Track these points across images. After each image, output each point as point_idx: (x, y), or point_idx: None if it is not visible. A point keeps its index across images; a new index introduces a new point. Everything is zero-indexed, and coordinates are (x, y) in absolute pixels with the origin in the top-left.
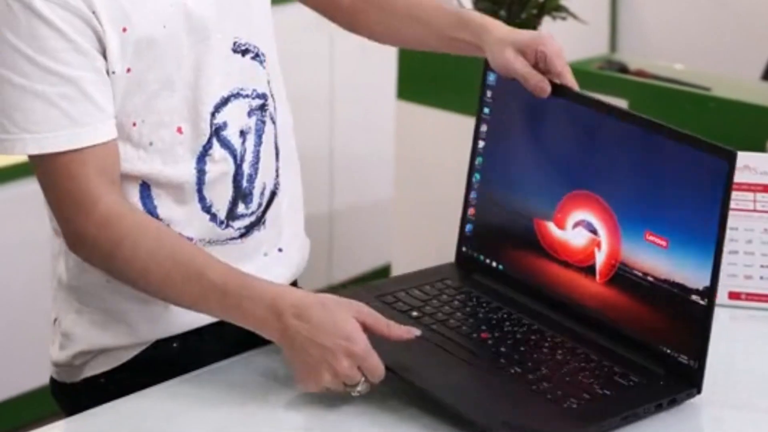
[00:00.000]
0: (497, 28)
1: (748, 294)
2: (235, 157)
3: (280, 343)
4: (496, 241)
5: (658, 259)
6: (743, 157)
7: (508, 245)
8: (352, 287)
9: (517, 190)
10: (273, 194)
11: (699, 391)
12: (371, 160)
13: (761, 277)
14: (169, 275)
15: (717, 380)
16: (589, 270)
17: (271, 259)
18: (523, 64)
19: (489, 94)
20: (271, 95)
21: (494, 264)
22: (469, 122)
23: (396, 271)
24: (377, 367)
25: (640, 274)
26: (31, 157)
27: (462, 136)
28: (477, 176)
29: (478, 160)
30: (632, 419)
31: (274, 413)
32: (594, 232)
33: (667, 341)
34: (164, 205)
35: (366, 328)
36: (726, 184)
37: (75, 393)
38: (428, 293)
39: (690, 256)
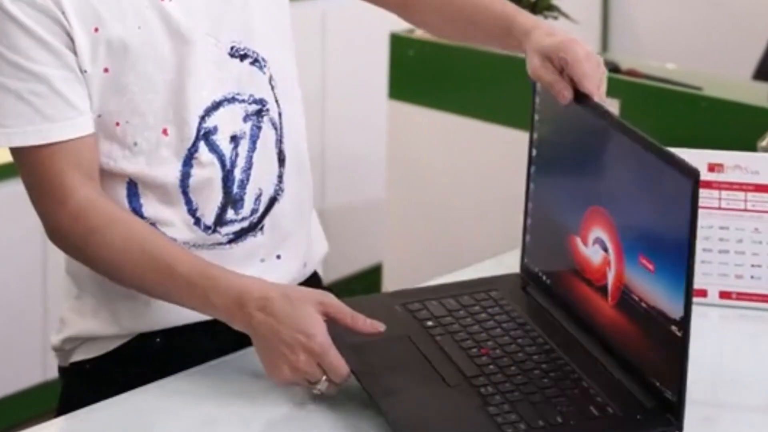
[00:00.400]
0: (536, 33)
1: (738, 293)
2: (223, 162)
3: (248, 334)
4: (545, 255)
5: (647, 284)
6: (734, 157)
7: (552, 259)
8: (378, 294)
9: (558, 203)
10: (273, 200)
11: (680, 429)
12: (363, 159)
13: (752, 277)
14: (139, 267)
15: (707, 379)
16: (603, 290)
17: (269, 265)
18: (548, 71)
19: (537, 101)
20: (276, 101)
21: (545, 278)
22: (461, 121)
23: (388, 271)
24: (337, 366)
25: (636, 299)
26: (11, 151)
27: (454, 135)
28: (532, 185)
29: (532, 169)
30: None
31: (270, 411)
32: (606, 250)
33: (655, 372)
34: (150, 205)
35: (332, 319)
36: (691, 205)
37: (65, 376)
38: (461, 303)
39: (670, 282)
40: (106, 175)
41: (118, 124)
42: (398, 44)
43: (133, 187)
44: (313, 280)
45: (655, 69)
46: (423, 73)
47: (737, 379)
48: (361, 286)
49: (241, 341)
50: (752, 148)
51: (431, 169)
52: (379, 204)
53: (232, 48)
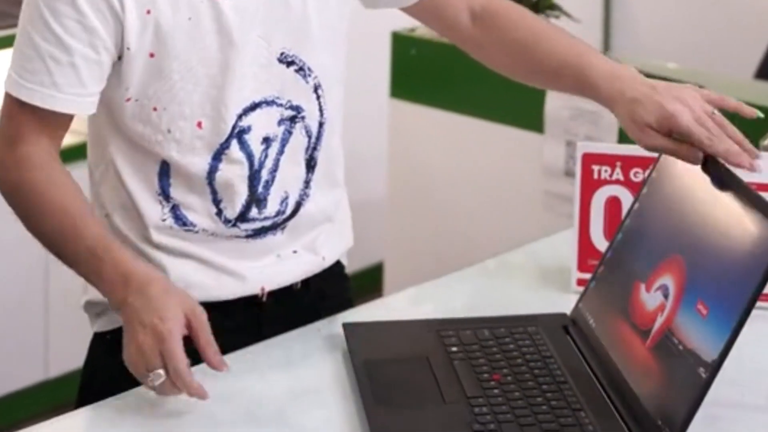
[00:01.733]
0: (623, 101)
1: None
2: (251, 161)
3: (118, 314)
4: (602, 299)
5: (693, 328)
6: None
7: (607, 303)
8: (420, 320)
9: (637, 251)
10: (299, 204)
11: None
12: (365, 158)
13: None
14: (54, 231)
15: None
16: (646, 333)
17: (283, 258)
18: (659, 138)
19: (662, 158)
20: (320, 109)
21: (591, 321)
22: (463, 120)
23: (389, 269)
24: (175, 355)
25: (675, 341)
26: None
27: (455, 134)
28: (619, 236)
29: (627, 221)
30: None
31: (284, 408)
32: (666, 296)
33: (662, 412)
34: (178, 188)
35: (191, 332)
36: None
37: (90, 346)
38: (495, 335)
39: (718, 327)
40: (140, 153)
41: (155, 109)
42: (400, 43)
43: (165, 168)
44: (335, 270)
45: (657, 68)
46: (425, 72)
47: (739, 378)
48: (362, 284)
49: (255, 321)
50: (754, 146)
51: (433, 168)
52: (381, 202)
53: (281, 54)
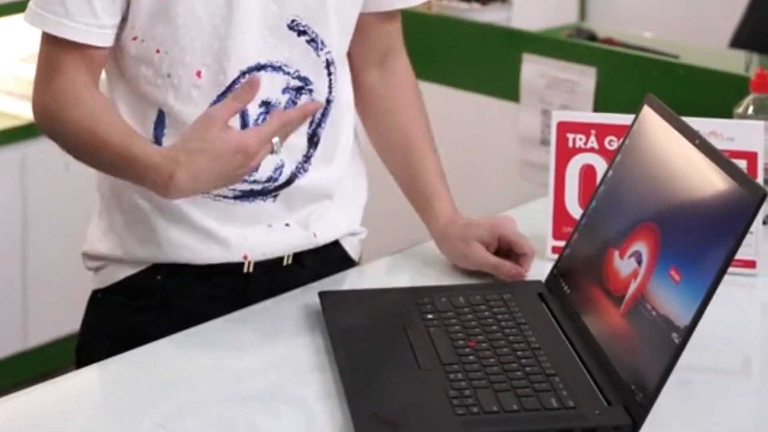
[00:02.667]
0: (453, 226)
1: None
2: (245, 120)
3: (172, 188)
4: (576, 266)
5: (666, 294)
6: (710, 124)
7: (581, 270)
8: (397, 288)
9: (611, 218)
10: (294, 176)
11: (634, 430)
12: None
13: None
14: (89, 144)
15: None
16: (619, 300)
17: (274, 230)
18: (489, 257)
19: (635, 127)
20: (329, 86)
21: (566, 288)
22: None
23: (367, 245)
24: (274, 131)
25: (648, 307)
26: None
27: (431, 103)
28: (594, 203)
29: (601, 189)
30: None
31: (260, 377)
32: (639, 263)
33: (635, 376)
34: (170, 139)
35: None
36: (746, 222)
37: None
38: (470, 302)
39: (691, 293)
40: (139, 98)
41: (158, 51)
42: None
43: (161, 117)
44: (335, 253)
45: (632, 37)
46: (405, 44)
47: (712, 343)
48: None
49: (241, 292)
50: (728, 115)
51: None
52: None
53: (292, 21)
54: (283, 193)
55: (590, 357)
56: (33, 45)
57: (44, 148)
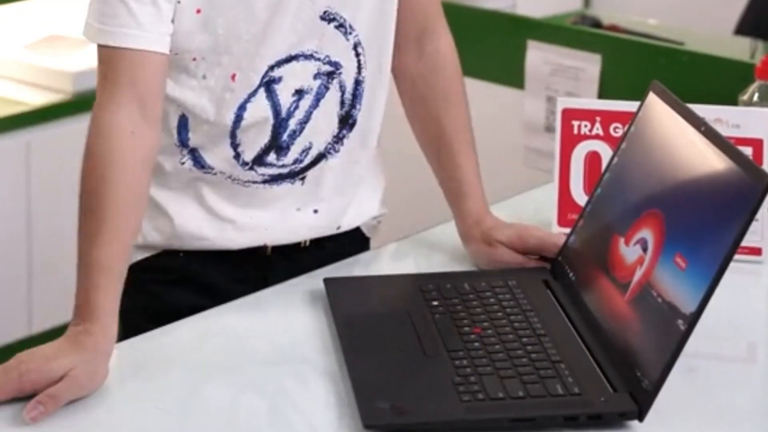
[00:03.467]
0: (478, 228)
1: None
2: (277, 111)
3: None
4: (581, 253)
5: (672, 281)
6: (715, 111)
7: (587, 257)
8: (403, 275)
9: (616, 205)
10: (321, 156)
11: (641, 419)
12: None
13: None
14: (83, 216)
15: None
16: (625, 287)
17: (303, 215)
18: (514, 255)
19: (641, 113)
20: (359, 67)
21: (571, 274)
22: None
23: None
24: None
25: (654, 294)
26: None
27: None
28: (599, 190)
29: (606, 176)
30: (526, 424)
31: (266, 363)
32: (645, 250)
33: (641, 363)
34: (197, 136)
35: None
36: (752, 209)
37: None
38: (475, 288)
39: (697, 280)
40: (165, 102)
41: (194, 59)
42: None
43: (184, 120)
44: (354, 234)
45: (637, 24)
46: None
47: (717, 330)
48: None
49: (261, 274)
50: (733, 102)
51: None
52: None
53: (324, 12)
54: (310, 174)
55: (595, 344)
56: (38, 31)
57: (49, 135)
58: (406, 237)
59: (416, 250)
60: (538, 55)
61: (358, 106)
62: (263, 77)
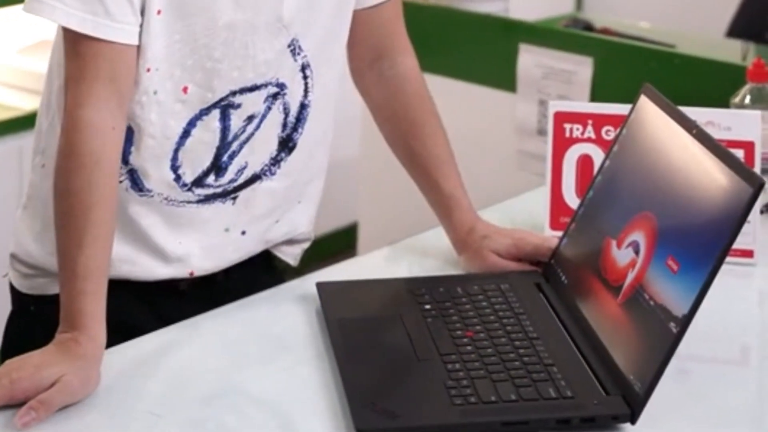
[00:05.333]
0: (472, 236)
1: None
2: (225, 134)
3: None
4: (574, 256)
5: (664, 283)
6: (707, 113)
7: (579, 260)
8: (395, 278)
9: (608, 208)
10: (256, 178)
11: (633, 422)
12: (337, 118)
13: None
14: (60, 225)
15: None
16: (617, 290)
17: (231, 237)
18: (503, 263)
19: (633, 116)
20: (305, 90)
21: (563, 278)
22: (435, 80)
23: (363, 229)
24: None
25: (646, 297)
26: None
27: (434, 96)
28: (591, 193)
29: (598, 179)
30: (519, 428)
31: (258, 368)
32: (637, 253)
33: (633, 366)
34: (138, 154)
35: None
36: (744, 211)
37: (13, 314)
38: (467, 292)
39: (688, 282)
40: None
41: (149, 69)
42: None
43: (130, 133)
44: (264, 260)
45: (629, 27)
46: None
47: (709, 333)
48: (337, 244)
49: (177, 305)
50: (725, 104)
51: None
52: (354, 163)
53: (292, 40)
54: (242, 195)
55: (588, 347)
56: (31, 36)
57: None
58: (398, 241)
59: (408, 253)
60: (530, 59)
61: (300, 130)
62: (222, 100)
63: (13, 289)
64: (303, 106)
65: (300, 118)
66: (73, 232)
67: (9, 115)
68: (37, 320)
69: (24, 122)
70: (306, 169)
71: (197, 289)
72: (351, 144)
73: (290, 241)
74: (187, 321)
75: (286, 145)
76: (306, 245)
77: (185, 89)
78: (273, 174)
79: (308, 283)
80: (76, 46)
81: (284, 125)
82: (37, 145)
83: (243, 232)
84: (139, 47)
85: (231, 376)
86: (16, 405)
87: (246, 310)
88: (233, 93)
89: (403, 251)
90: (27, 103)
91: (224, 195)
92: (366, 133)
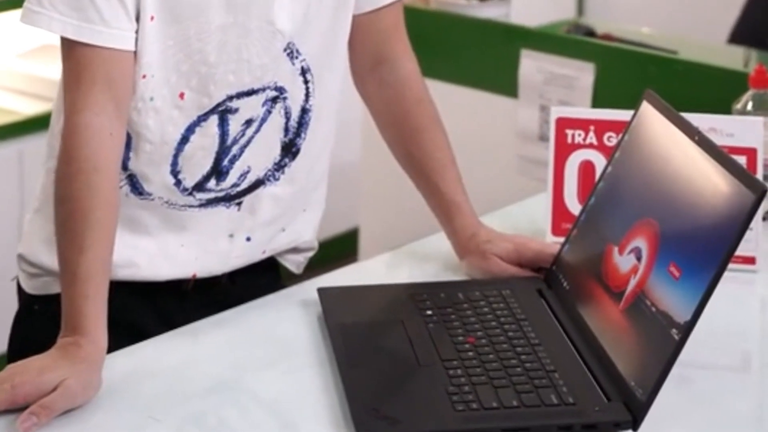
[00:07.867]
0: (474, 240)
1: None
2: (224, 138)
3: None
4: (575, 262)
5: (666, 290)
6: (709, 120)
7: (581, 266)
8: (395, 284)
9: (610, 214)
10: (259, 183)
11: (635, 429)
12: (338, 123)
13: None
14: (60, 230)
15: None
16: (619, 296)
17: (235, 243)
18: (509, 267)
19: (635, 123)
20: (307, 95)
21: (565, 283)
22: (436, 86)
23: (364, 235)
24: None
25: (648, 303)
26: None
27: (435, 102)
28: (593, 199)
29: (600, 185)
30: None
31: (259, 373)
32: (639, 259)
33: (635, 373)
34: (137, 159)
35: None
36: (746, 218)
37: (19, 313)
38: (469, 298)
39: (690, 289)
40: None
41: (144, 76)
42: None
43: (128, 139)
44: (267, 264)
45: (631, 33)
46: None
47: (711, 339)
48: (338, 250)
49: (179, 306)
50: (727, 111)
51: None
52: (356, 168)
53: (288, 44)
54: (246, 200)
55: (590, 353)
56: (31, 41)
57: (42, 144)
58: (399, 246)
59: (410, 259)
60: (531, 64)
61: (303, 135)
62: (219, 105)
63: (20, 290)
64: (304, 111)
65: (302, 123)
66: (74, 236)
67: (9, 119)
68: (42, 320)
69: (24, 126)
70: (311, 175)
71: (200, 291)
72: (352, 149)
73: (294, 249)
74: (190, 326)
75: (290, 150)
76: (310, 254)
77: (182, 95)
78: (277, 179)
79: (310, 289)
80: (72, 54)
81: (286, 129)
82: (49, 149)
83: (248, 239)
84: (134, 54)
85: (233, 380)
86: (17, 409)
87: (248, 316)
88: (230, 98)
89: (405, 257)
90: (27, 107)
91: (227, 199)
92: (367, 138)
